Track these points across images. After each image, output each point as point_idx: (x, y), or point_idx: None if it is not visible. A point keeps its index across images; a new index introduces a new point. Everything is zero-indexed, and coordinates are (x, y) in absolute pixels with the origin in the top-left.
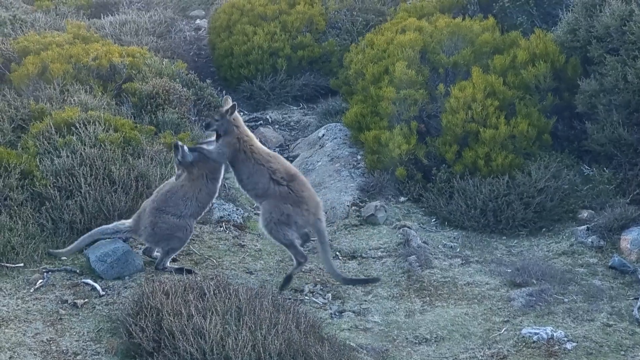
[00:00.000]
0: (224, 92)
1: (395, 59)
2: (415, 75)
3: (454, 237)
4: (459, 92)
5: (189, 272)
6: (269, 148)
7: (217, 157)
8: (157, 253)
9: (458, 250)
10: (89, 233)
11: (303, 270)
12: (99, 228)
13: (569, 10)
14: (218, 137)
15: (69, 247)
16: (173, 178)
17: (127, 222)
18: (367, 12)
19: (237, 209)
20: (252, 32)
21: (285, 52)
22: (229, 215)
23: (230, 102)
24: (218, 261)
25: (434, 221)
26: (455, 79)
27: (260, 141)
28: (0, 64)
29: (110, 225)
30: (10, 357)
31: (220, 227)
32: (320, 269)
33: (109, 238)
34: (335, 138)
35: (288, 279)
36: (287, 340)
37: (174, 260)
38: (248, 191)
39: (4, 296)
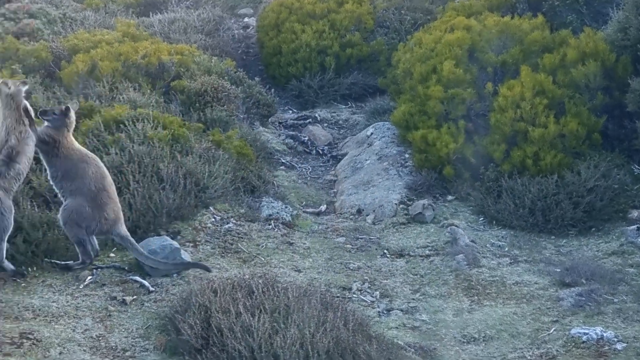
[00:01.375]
0: (272, 90)
1: (443, 57)
2: (463, 74)
3: (502, 236)
4: (508, 90)
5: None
6: (317, 147)
7: (36, 136)
8: None
9: (506, 249)
10: None
11: (351, 268)
12: None
13: (619, 9)
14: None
15: None
16: None
17: None
18: (415, 11)
19: (286, 207)
20: (301, 31)
21: (333, 50)
22: (277, 213)
23: (75, 105)
24: (266, 259)
25: (481, 220)
26: (503, 77)
27: (309, 139)
28: (50, 62)
29: None
30: (60, 353)
31: (269, 225)
32: (368, 267)
33: None
34: (383, 137)
35: (65, 267)
36: (335, 339)
37: None
38: (60, 189)
39: (53, 292)
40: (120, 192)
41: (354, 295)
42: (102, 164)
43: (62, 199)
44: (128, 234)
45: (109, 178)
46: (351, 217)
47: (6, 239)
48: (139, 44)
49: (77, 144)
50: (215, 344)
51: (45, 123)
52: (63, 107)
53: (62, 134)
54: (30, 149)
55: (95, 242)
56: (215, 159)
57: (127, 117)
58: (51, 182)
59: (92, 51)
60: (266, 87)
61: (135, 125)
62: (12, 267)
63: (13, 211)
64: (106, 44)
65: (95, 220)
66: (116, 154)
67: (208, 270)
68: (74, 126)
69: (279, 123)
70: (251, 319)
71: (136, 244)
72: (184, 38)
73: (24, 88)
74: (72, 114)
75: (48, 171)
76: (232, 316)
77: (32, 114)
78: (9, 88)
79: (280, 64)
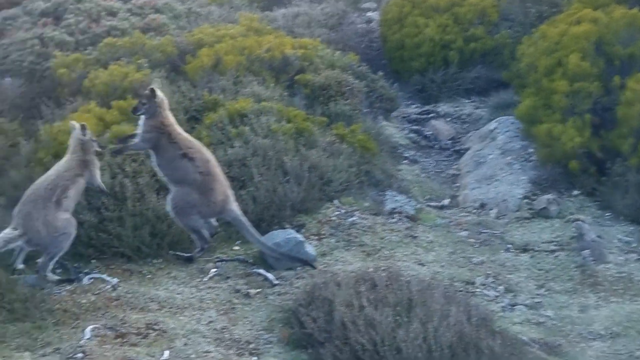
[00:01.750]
0: (395, 84)
1: (569, 50)
2: (590, 68)
3: (630, 232)
4: (636, 84)
5: (70, 281)
6: (440, 141)
7: (142, 146)
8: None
9: (634, 245)
10: None
11: (474, 262)
12: None
13: None
14: None
15: None
16: (52, 171)
17: (13, 231)
18: (541, 3)
19: (409, 201)
20: (424, 25)
21: (457, 44)
22: (401, 206)
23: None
24: (390, 252)
25: (608, 215)
26: (631, 70)
27: (432, 133)
28: (175, 56)
29: None
30: (184, 344)
31: (393, 218)
32: (491, 261)
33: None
34: (507, 131)
35: (188, 259)
36: (459, 333)
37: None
38: (167, 175)
39: (178, 284)
40: (244, 185)
41: (477, 290)
42: (204, 148)
43: (169, 186)
44: (240, 213)
45: (213, 160)
46: (474, 211)
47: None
48: (262, 38)
49: (179, 128)
50: (338, 337)
51: (141, 122)
52: (147, 91)
53: (161, 117)
54: (76, 190)
55: (212, 221)
56: (339, 152)
57: (251, 110)
58: (156, 169)
59: (216, 45)
60: (389, 82)
61: (259, 119)
62: (56, 277)
63: None
64: (230, 38)
65: (204, 205)
66: (240, 147)
67: (313, 267)
68: (167, 103)
69: (402, 117)
70: (374, 312)
71: (248, 224)
72: (308, 32)
73: (96, 144)
74: (159, 93)
75: (154, 158)
76: (355, 309)
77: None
78: (85, 136)
79: (403, 58)
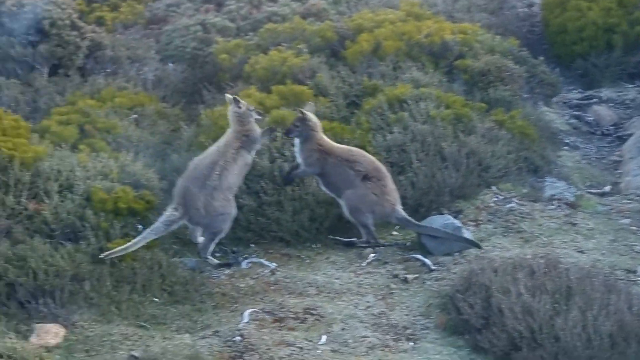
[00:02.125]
0: (556, 69)
1: None
2: None
3: None
4: None
5: (229, 265)
6: (602, 127)
7: (310, 172)
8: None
9: None
10: (142, 235)
11: (636, 250)
12: (150, 229)
13: None
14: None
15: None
16: (212, 148)
17: (174, 212)
18: None
19: (569, 187)
20: (587, 8)
21: (621, 27)
22: (560, 193)
23: (309, 106)
24: (548, 239)
25: None
26: None
27: (594, 119)
28: (335, 41)
29: (159, 223)
30: (342, 329)
31: (552, 205)
32: None
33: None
34: None
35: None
36: (619, 322)
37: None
38: (337, 190)
39: (337, 269)
40: (402, 170)
41: (639, 279)
42: (369, 155)
43: (339, 200)
44: (405, 214)
45: (383, 168)
46: (637, 198)
47: (217, 240)
48: (422, 23)
49: (334, 143)
50: (495, 324)
51: (297, 148)
52: (298, 114)
53: (316, 140)
54: (238, 167)
55: None
56: (498, 138)
57: (410, 96)
58: (325, 190)
59: (375, 30)
60: (550, 67)
61: (418, 105)
62: (216, 261)
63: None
64: (389, 23)
65: (380, 205)
66: (399, 132)
67: (479, 247)
68: (319, 125)
69: (563, 103)
70: (532, 299)
71: (412, 219)
72: (468, 17)
73: (254, 113)
74: (310, 115)
75: (320, 181)
76: (512, 296)
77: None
78: (240, 108)
79: (565, 43)
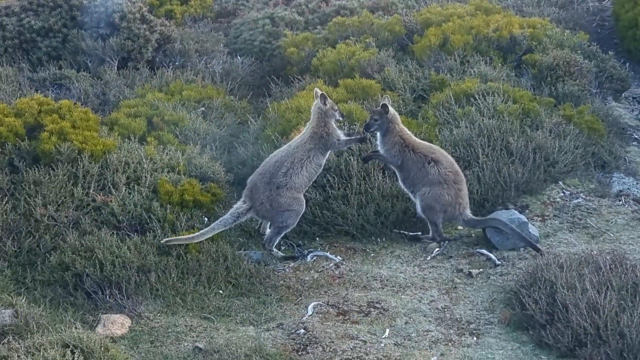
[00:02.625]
0: (627, 64)
1: None
2: None
3: None
4: None
5: (294, 259)
6: None
7: (390, 161)
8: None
9: None
10: (211, 226)
11: None
12: (218, 220)
13: None
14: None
15: (188, 236)
16: (285, 146)
17: (242, 204)
18: None
19: (637, 183)
20: None
21: None
22: (628, 189)
23: (386, 99)
24: (615, 235)
25: None
26: None
27: None
28: (403, 35)
29: (227, 215)
30: (405, 323)
31: (619, 201)
32: None
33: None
34: None
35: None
36: None
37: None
38: (413, 186)
39: (401, 263)
40: (469, 165)
41: None
42: (449, 156)
43: (412, 196)
44: (472, 216)
45: (460, 171)
46: None
47: (283, 234)
48: (490, 17)
49: (416, 138)
50: (560, 320)
51: (379, 141)
52: (379, 108)
53: (396, 132)
54: (307, 168)
55: None
56: (565, 133)
57: (477, 90)
58: (402, 186)
59: (444, 25)
60: (620, 61)
61: (485, 99)
62: (281, 254)
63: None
64: (458, 17)
65: (452, 206)
66: (466, 127)
67: (540, 252)
68: (399, 118)
69: (633, 98)
70: (597, 295)
71: (478, 217)
72: (537, 11)
73: (337, 114)
74: (390, 109)
75: (398, 176)
76: (577, 292)
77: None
78: (325, 105)
79: (636, 38)
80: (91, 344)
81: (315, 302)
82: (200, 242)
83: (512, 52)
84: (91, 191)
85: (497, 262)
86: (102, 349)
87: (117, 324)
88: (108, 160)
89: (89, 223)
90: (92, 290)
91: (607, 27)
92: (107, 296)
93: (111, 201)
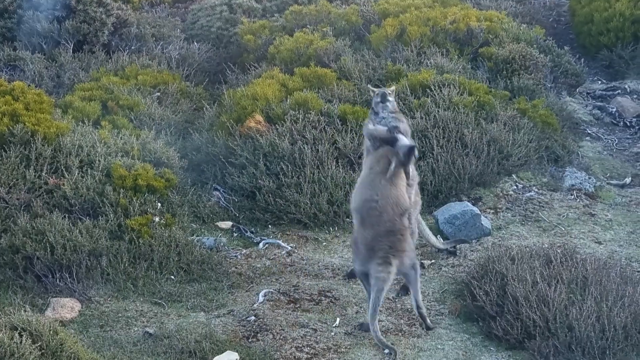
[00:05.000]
0: (581, 59)
1: None
2: None
3: None
4: None
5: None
6: (625, 118)
7: None
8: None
9: None
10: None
11: None
12: None
13: None
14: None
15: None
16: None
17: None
18: None
19: (589, 178)
20: None
21: None
22: (580, 183)
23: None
24: (566, 229)
25: None
26: None
27: (617, 110)
28: (360, 25)
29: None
30: (356, 312)
31: (571, 195)
32: None
33: None
34: None
35: None
36: (634, 314)
37: None
38: None
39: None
40: (423, 156)
41: None
42: None
43: None
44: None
45: None
46: None
47: None
48: (448, 9)
49: None
50: (510, 312)
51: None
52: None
53: None
54: None
55: None
56: (519, 127)
57: (433, 81)
58: None
59: (401, 15)
60: (575, 57)
61: (441, 91)
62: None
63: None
64: (415, 8)
65: None
66: (421, 118)
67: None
68: None
69: (587, 93)
70: (547, 288)
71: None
72: (494, 4)
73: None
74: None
75: None
76: (528, 285)
77: None
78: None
79: (591, 33)
80: (40, 327)
81: (267, 290)
82: (154, 227)
83: (468, 44)
84: (43, 174)
85: (450, 250)
86: (51, 332)
87: (66, 307)
88: (61, 143)
89: (40, 206)
90: (42, 273)
91: (563, 22)
92: (58, 280)
93: (63, 184)
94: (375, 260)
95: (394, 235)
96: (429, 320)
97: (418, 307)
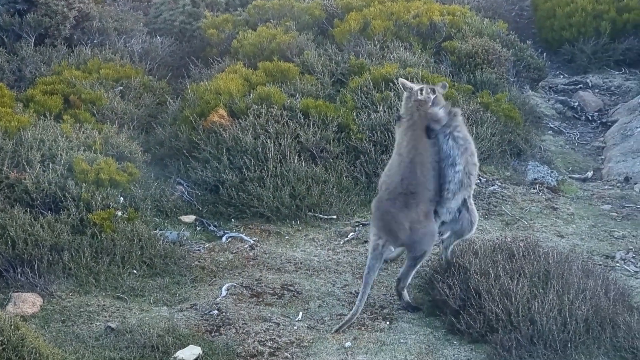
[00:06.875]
0: (544, 54)
1: None
2: None
3: None
4: None
5: (417, 309)
6: (586, 112)
7: None
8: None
9: None
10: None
11: (615, 236)
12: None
13: None
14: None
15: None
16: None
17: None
18: None
19: (552, 172)
20: None
21: (610, 15)
22: (542, 177)
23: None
24: (529, 223)
25: None
26: None
27: (579, 104)
28: (323, 19)
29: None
30: (319, 306)
31: (534, 188)
32: (633, 236)
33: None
34: None
35: None
36: (595, 307)
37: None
38: None
39: (315, 247)
40: (386, 149)
41: (617, 265)
42: None
43: None
44: None
45: None
46: (618, 184)
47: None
48: (411, 3)
49: None
50: (473, 306)
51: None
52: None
53: None
54: None
55: None
56: (482, 121)
57: (396, 75)
58: None
59: (364, 10)
60: (538, 51)
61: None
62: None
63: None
64: (378, 2)
65: None
66: (384, 111)
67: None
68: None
69: (549, 87)
70: (510, 282)
71: None
72: None
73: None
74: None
75: None
76: (491, 279)
77: None
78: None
79: (553, 28)
80: (1, 322)
81: (229, 284)
82: (116, 221)
83: (431, 38)
84: (4, 168)
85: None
86: (12, 327)
87: (28, 302)
88: (22, 137)
89: (1, 200)
90: (3, 268)
91: (525, 17)
92: (19, 274)
93: (25, 178)
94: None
95: (390, 217)
96: (406, 296)
97: (398, 280)
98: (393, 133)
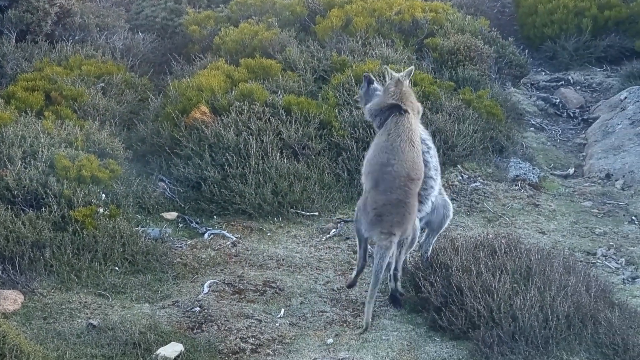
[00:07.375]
0: (526, 51)
1: None
2: None
3: None
4: None
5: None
6: (568, 109)
7: None
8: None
9: None
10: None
11: (596, 233)
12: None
13: None
14: None
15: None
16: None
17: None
18: None
19: (534, 169)
20: None
21: (591, 12)
22: (524, 174)
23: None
24: (511, 219)
25: None
26: None
27: (561, 101)
28: (305, 16)
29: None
30: (301, 303)
31: (516, 185)
32: (614, 232)
33: None
34: (638, 101)
35: None
36: (576, 303)
37: None
38: None
39: (298, 244)
40: (367, 146)
41: (598, 261)
42: None
43: None
44: None
45: None
46: (599, 181)
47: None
48: (393, 0)
49: None
50: (455, 303)
51: None
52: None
53: None
54: None
55: None
56: (464, 117)
57: (378, 72)
58: None
59: (346, 6)
60: (520, 48)
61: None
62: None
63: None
64: None
65: None
66: None
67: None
68: None
69: (531, 84)
70: (492, 279)
71: None
72: None
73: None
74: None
75: None
76: (472, 275)
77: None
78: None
79: (535, 25)
80: None
81: (211, 280)
82: (98, 218)
83: (414, 35)
84: None
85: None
86: None
87: (9, 299)
88: (4, 134)
89: None
90: None
91: (507, 14)
92: (0, 271)
93: (6, 175)
94: (379, 229)
95: (403, 208)
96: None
97: (395, 269)
98: (374, 130)
